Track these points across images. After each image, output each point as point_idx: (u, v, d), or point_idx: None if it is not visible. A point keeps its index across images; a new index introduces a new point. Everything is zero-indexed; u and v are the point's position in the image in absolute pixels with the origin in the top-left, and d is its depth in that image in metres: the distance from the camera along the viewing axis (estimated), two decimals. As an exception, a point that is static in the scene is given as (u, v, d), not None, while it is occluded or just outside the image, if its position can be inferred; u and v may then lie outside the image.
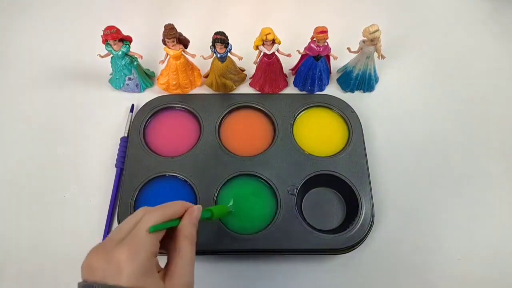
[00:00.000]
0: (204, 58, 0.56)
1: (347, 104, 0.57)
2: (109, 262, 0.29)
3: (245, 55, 0.56)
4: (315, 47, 0.54)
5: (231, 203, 0.48)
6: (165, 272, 0.33)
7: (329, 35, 0.53)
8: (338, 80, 0.61)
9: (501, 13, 0.70)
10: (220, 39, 0.52)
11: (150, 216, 0.33)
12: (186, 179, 0.50)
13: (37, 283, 0.46)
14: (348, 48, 0.56)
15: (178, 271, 0.32)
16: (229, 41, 0.53)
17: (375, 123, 0.57)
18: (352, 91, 0.60)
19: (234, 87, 0.60)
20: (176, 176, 0.51)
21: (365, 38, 0.54)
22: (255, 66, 0.58)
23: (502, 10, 0.71)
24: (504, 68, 0.64)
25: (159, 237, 0.33)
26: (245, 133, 0.55)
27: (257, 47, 0.54)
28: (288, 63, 0.60)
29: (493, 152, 0.56)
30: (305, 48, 0.56)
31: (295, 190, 0.49)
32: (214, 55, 0.55)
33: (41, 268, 0.47)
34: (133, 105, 0.58)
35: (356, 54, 0.57)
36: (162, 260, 0.34)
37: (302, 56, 0.58)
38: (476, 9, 0.71)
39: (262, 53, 0.55)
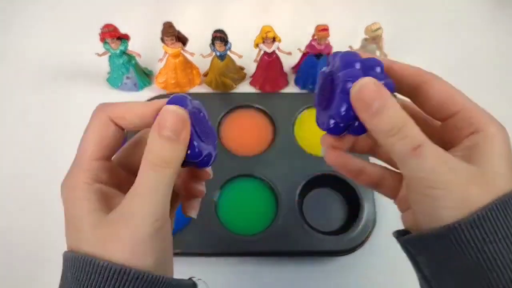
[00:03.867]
0: (204, 57, 0.56)
1: (348, 103, 0.56)
2: None
3: (245, 53, 0.56)
4: (316, 45, 0.54)
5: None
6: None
7: (330, 33, 0.52)
8: (339, 79, 0.61)
9: (503, 12, 0.70)
10: (220, 37, 0.51)
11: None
12: (185, 180, 0.49)
13: (35, 282, 0.46)
14: (350, 47, 0.56)
15: (120, 204, 0.22)
16: (228, 39, 0.52)
17: (377, 122, 0.57)
18: (353, 90, 0.60)
19: (234, 86, 0.59)
20: (175, 176, 0.50)
21: (367, 36, 0.53)
22: (255, 64, 0.57)
23: (504, 9, 0.70)
24: (506, 67, 0.63)
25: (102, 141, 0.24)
26: (245, 133, 0.54)
27: (257, 45, 0.54)
28: (289, 61, 0.59)
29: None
30: (306, 47, 0.55)
31: (296, 191, 0.48)
32: (214, 53, 0.54)
33: (39, 267, 0.46)
34: (131, 104, 0.57)
35: (358, 53, 0.57)
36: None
37: (303, 55, 0.58)
38: (478, 8, 0.70)
39: (262, 52, 0.54)
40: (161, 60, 0.56)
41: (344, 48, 0.56)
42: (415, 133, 0.21)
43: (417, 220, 0.24)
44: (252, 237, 0.46)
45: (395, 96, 0.24)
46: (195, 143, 0.23)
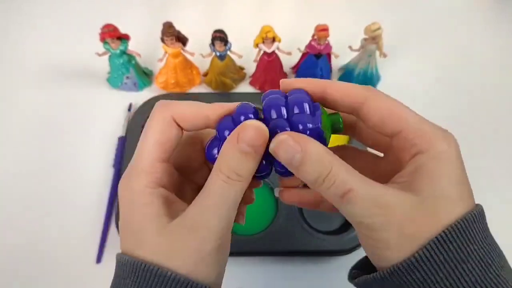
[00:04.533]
0: (204, 57, 0.56)
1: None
2: None
3: (245, 53, 0.56)
4: (316, 45, 0.54)
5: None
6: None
7: (330, 33, 0.52)
8: (339, 78, 0.61)
9: (503, 11, 0.70)
10: (219, 37, 0.51)
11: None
12: (185, 180, 0.49)
13: (34, 282, 0.45)
14: (350, 46, 0.56)
15: (187, 214, 0.21)
16: (228, 39, 0.52)
17: (376, 122, 0.56)
18: (353, 90, 0.60)
19: (234, 86, 0.59)
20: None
21: (367, 36, 0.53)
22: (255, 64, 0.57)
23: (504, 8, 0.70)
24: (508, 66, 0.63)
25: (166, 149, 0.23)
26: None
27: (257, 45, 0.53)
28: (289, 61, 0.59)
29: (496, 151, 0.55)
30: (305, 46, 0.55)
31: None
32: (214, 53, 0.54)
33: (37, 267, 0.46)
34: (130, 104, 0.57)
35: (358, 53, 0.57)
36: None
37: (303, 55, 0.58)
38: (479, 8, 0.70)
39: (262, 52, 0.54)
40: (161, 60, 0.56)
41: (344, 47, 0.56)
42: (342, 177, 0.20)
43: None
44: (252, 237, 0.46)
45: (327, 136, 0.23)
46: (269, 158, 0.23)
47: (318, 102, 0.23)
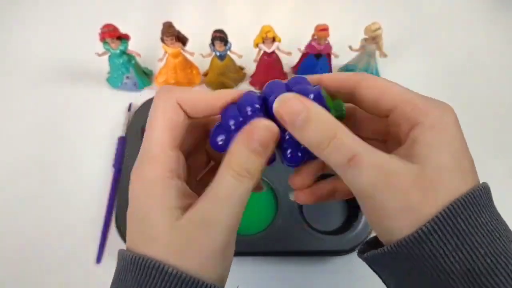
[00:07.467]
0: (204, 57, 0.56)
1: (348, 103, 0.56)
2: None
3: (245, 53, 0.56)
4: (316, 45, 0.54)
5: None
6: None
7: (330, 33, 0.52)
8: (339, 79, 0.61)
9: (503, 11, 0.70)
10: (219, 37, 0.51)
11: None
12: (185, 180, 0.49)
13: (34, 282, 0.45)
14: (350, 46, 0.56)
15: (198, 208, 0.21)
16: (228, 39, 0.52)
17: (376, 122, 0.56)
18: (353, 90, 0.60)
19: (234, 86, 0.59)
20: (175, 176, 0.50)
21: (367, 36, 0.53)
22: (255, 64, 0.57)
23: (503, 8, 0.70)
24: (508, 66, 0.63)
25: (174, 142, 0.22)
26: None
27: (257, 45, 0.53)
28: (289, 61, 0.59)
29: (497, 152, 0.55)
30: (305, 47, 0.55)
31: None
32: (213, 53, 0.54)
33: (37, 267, 0.46)
34: (130, 104, 0.57)
35: (358, 53, 0.57)
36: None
37: (303, 55, 0.58)
38: (479, 8, 0.70)
39: (262, 51, 0.54)
40: (160, 60, 0.56)
41: (344, 47, 0.56)
42: (349, 142, 0.20)
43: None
44: (252, 237, 0.45)
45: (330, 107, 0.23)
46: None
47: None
